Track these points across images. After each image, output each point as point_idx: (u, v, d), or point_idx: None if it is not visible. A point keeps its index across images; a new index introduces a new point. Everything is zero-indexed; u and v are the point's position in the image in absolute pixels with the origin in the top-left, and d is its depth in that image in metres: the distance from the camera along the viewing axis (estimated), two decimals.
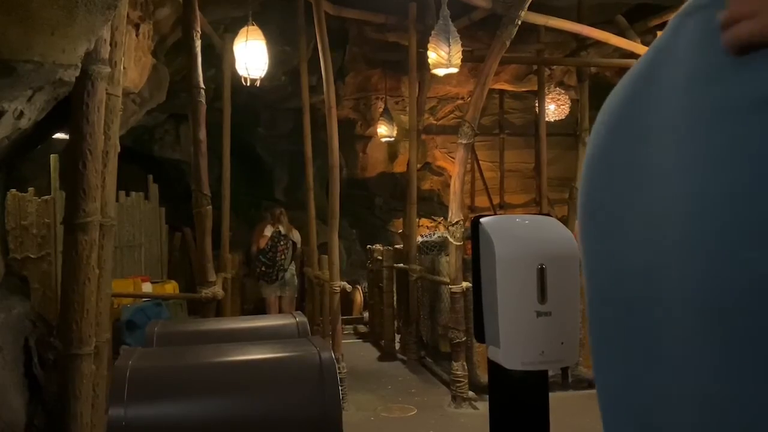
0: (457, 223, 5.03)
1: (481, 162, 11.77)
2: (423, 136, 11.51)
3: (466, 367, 5.09)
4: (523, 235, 1.37)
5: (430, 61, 4.84)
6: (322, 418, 1.71)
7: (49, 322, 3.52)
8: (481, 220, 1.43)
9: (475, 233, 1.45)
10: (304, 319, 2.47)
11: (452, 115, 11.59)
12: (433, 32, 4.77)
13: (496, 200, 11.63)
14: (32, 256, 5.05)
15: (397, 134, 9.44)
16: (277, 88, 9.57)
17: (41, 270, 4.89)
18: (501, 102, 11.44)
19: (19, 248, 4.75)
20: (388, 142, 10.36)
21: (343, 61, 10.13)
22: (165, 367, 1.79)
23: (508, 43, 4.92)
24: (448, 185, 13.48)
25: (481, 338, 1.43)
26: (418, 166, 11.84)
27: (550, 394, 4.65)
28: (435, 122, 11.51)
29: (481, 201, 11.84)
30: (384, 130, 8.93)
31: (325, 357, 1.83)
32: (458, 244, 5.06)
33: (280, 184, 10.84)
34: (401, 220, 10.52)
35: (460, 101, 11.29)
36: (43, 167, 5.95)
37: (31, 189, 5.60)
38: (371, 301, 7.95)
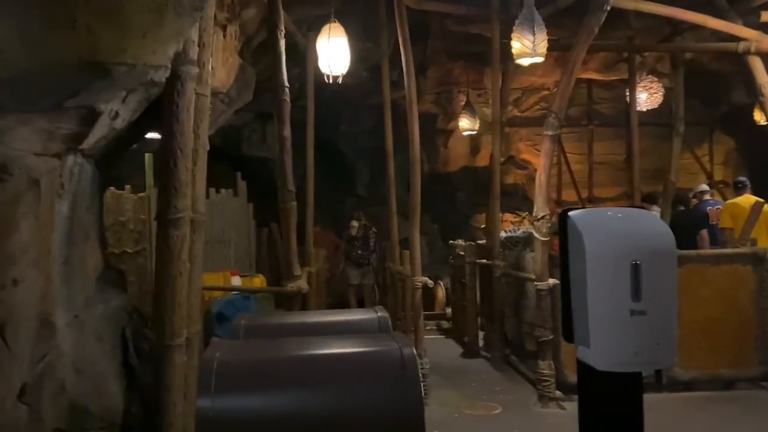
0: (543, 217, 4.89)
1: (568, 154, 11.40)
2: (506, 129, 11.27)
3: (553, 366, 4.95)
4: (615, 229, 1.29)
5: (514, 50, 4.72)
6: (404, 414, 1.69)
7: (144, 314, 3.69)
8: (570, 213, 1.36)
9: (563, 227, 1.38)
10: (386, 314, 2.46)
11: (537, 107, 11.30)
12: (517, 21, 4.64)
13: (584, 194, 11.24)
14: (129, 250, 5.31)
15: (479, 127, 9.30)
16: (359, 84, 9.63)
17: (137, 264, 5.14)
18: (589, 92, 11.03)
19: (117, 243, 5.01)
20: (470, 136, 10.22)
21: (425, 54, 10.06)
22: (251, 359, 1.82)
23: (596, 30, 4.72)
24: (533, 179, 13.18)
25: (570, 338, 1.36)
26: (502, 159, 11.63)
27: (645, 395, 4.44)
28: (519, 114, 11.25)
29: (569, 195, 11.48)
30: (466, 124, 8.81)
31: (407, 353, 1.81)
32: (544, 239, 4.92)
33: (362, 179, 10.93)
34: (484, 215, 10.36)
35: (545, 92, 10.98)
36: (139, 166, 6.26)
37: (127, 187, 5.91)
38: (453, 297, 7.88)
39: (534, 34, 4.46)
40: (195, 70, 3.25)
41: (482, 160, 11.01)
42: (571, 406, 4.96)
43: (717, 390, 5.21)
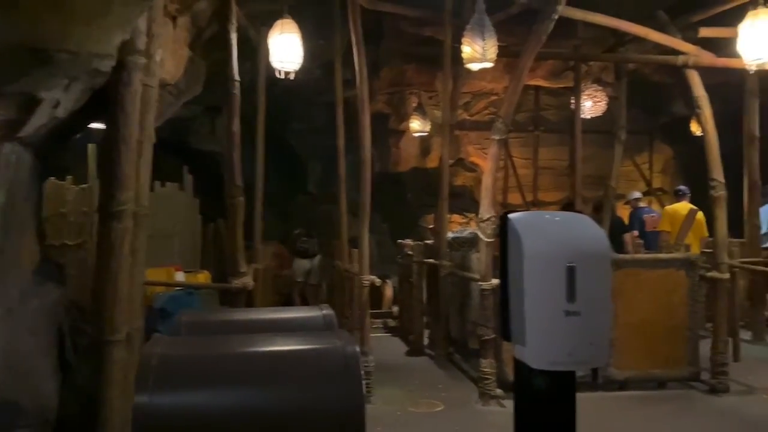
0: (488, 219, 4.98)
1: (514, 158, 11.64)
2: (456, 132, 11.41)
3: (494, 365, 5.05)
4: (553, 232, 1.34)
5: (464, 55, 4.79)
6: (346, 412, 1.70)
7: (83, 308, 3.59)
8: (510, 215, 1.40)
9: (503, 229, 1.42)
10: (331, 311, 2.47)
11: (486, 111, 11.48)
12: (467, 26, 4.72)
13: (529, 197, 11.50)
14: (69, 243, 5.15)
15: (430, 129, 9.39)
16: (311, 81, 9.59)
17: (78, 257, 4.99)
18: (536, 98, 11.29)
19: (57, 235, 4.85)
20: (422, 137, 10.32)
21: (378, 55, 10.10)
22: (191, 355, 1.80)
23: (544, 38, 4.84)
24: (481, 181, 13.38)
25: (507, 336, 1.40)
26: (451, 161, 11.75)
27: (579, 394, 4.57)
28: (469, 118, 11.40)
29: (514, 198, 11.72)
30: (417, 125, 8.90)
31: (350, 350, 1.82)
32: (489, 240, 5.01)
33: (313, 177, 10.88)
34: (433, 215, 10.48)
35: (494, 97, 11.16)
36: (83, 156, 6.07)
37: (69, 177, 5.72)
38: (401, 296, 7.94)
39: (484, 40, 4.55)
40: (142, 60, 3.20)
41: (433, 162, 11.11)
42: (511, 404, 5.07)
43: (650, 389, 5.41)
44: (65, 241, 5.17)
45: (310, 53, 8.26)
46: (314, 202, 10.83)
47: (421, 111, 8.91)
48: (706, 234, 6.65)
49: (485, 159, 12.72)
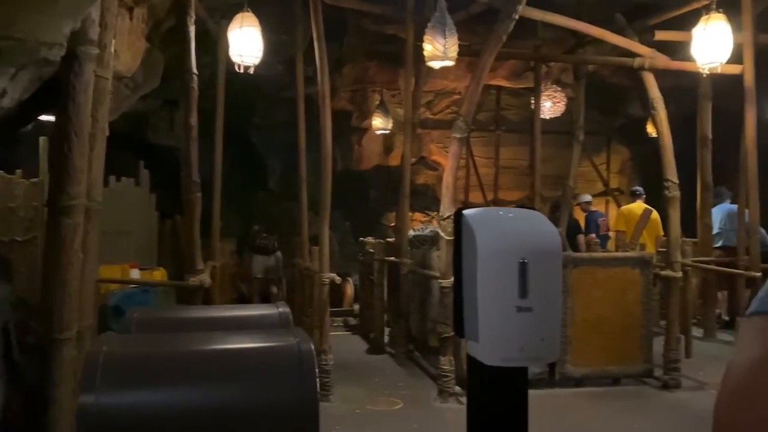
0: (448, 217, 5.00)
1: (476, 158, 11.73)
2: (419, 130, 11.44)
3: (453, 362, 5.07)
4: (506, 228, 1.34)
5: (425, 53, 4.80)
6: (299, 409, 1.68)
7: (31, 306, 3.48)
8: (465, 212, 1.40)
9: (458, 226, 1.42)
10: (287, 309, 2.44)
11: (449, 110, 11.54)
12: (429, 24, 4.73)
13: (490, 196, 11.60)
14: (18, 238, 4.98)
15: (392, 127, 9.39)
16: (273, 77, 9.50)
17: (27, 253, 4.83)
18: (498, 98, 11.40)
19: (6, 231, 4.68)
20: (384, 135, 10.31)
21: (341, 52, 10.06)
22: (140, 354, 1.75)
23: (504, 38, 4.88)
24: (443, 180, 13.40)
25: (460, 333, 1.40)
26: (413, 160, 11.79)
27: (537, 391, 4.65)
28: (431, 116, 11.45)
29: (476, 197, 11.81)
30: (379, 123, 8.89)
31: (304, 348, 1.80)
32: (449, 238, 5.03)
33: (274, 174, 10.78)
34: (395, 213, 10.50)
35: (457, 96, 11.23)
36: (34, 150, 5.88)
37: (18, 171, 5.54)
38: (362, 294, 7.92)
39: (445, 38, 4.56)
40: (95, 50, 3.11)
41: (395, 160, 11.12)
42: None
43: (605, 386, 5.51)
44: (14, 237, 5.00)
45: (272, 48, 8.17)
46: (275, 199, 10.74)
47: (384, 109, 8.91)
48: (661, 233, 6.86)
49: (447, 157, 12.81)
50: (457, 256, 1.40)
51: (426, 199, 12.05)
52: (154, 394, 1.66)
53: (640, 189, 7.95)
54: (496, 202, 11.59)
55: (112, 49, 3.76)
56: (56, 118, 3.14)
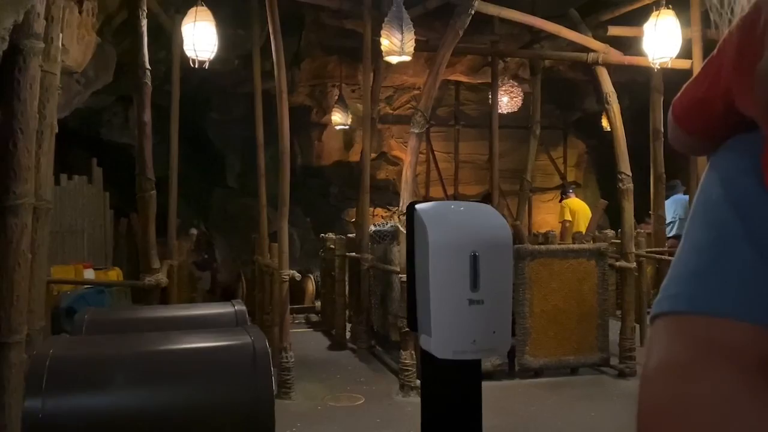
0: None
1: (436, 152, 11.80)
2: (379, 126, 11.43)
3: (414, 356, 5.09)
4: (457, 221, 1.35)
5: (383, 48, 4.79)
6: (254, 407, 1.66)
7: None
8: (417, 206, 1.40)
9: (410, 219, 1.41)
10: (243, 307, 2.41)
11: (409, 105, 11.55)
12: (386, 19, 4.72)
13: (450, 191, 11.69)
14: None
15: (352, 122, 9.37)
16: (230, 72, 9.37)
17: None
18: (457, 93, 11.48)
19: None
20: (344, 131, 10.28)
21: (299, 47, 9.98)
22: (89, 356, 1.71)
23: (461, 33, 4.90)
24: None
25: (414, 327, 1.40)
26: (374, 155, 11.79)
27: (497, 382, 4.69)
28: (391, 112, 11.46)
29: (436, 191, 11.88)
30: (338, 118, 8.85)
31: (259, 346, 1.78)
32: None
33: (233, 170, 10.64)
34: (356, 209, 10.48)
35: (416, 91, 11.25)
36: None
37: None
38: (323, 290, 7.89)
39: (402, 33, 4.56)
40: (40, 44, 3.01)
41: (356, 155, 11.09)
42: None
43: (563, 375, 5.61)
44: None
45: (229, 43, 8.04)
46: (233, 195, 10.61)
47: (343, 104, 8.88)
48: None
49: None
50: (409, 250, 1.40)
51: (387, 195, 12.06)
52: (103, 397, 1.62)
53: (571, 187, 9.49)
54: (456, 197, 11.68)
55: (60, 44, 3.65)
56: (0, 115, 3.03)
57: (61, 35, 3.66)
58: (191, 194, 10.16)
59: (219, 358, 1.74)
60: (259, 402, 1.65)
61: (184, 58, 5.93)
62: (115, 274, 5.73)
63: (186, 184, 9.67)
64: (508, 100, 8.20)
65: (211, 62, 5.60)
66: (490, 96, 8.57)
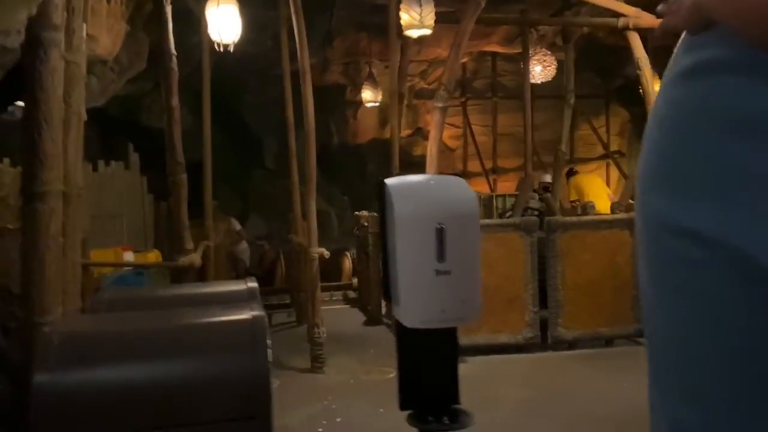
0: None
1: (473, 126, 11.69)
2: (414, 101, 11.40)
3: None
4: (423, 194, 1.36)
5: (402, 22, 4.77)
6: (250, 381, 1.73)
7: (13, 292, 3.55)
8: (386, 180, 1.42)
9: (381, 194, 1.44)
10: (255, 284, 2.48)
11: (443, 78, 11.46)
12: None
13: (489, 164, 11.58)
14: (10, 226, 5.06)
15: (383, 99, 9.35)
16: (263, 53, 9.47)
17: (18, 241, 4.90)
18: (493, 64, 11.30)
19: None
20: (380, 108, 10.27)
21: (331, 24, 9.98)
22: (95, 332, 1.80)
23: (483, 3, 4.82)
24: (441, 150, 13.34)
25: (388, 297, 1.43)
26: (409, 131, 11.75)
27: (529, 354, 4.67)
28: (426, 86, 11.38)
29: (474, 165, 11.80)
30: (369, 95, 8.85)
31: (257, 321, 1.84)
32: None
33: (270, 151, 10.79)
34: None
35: None
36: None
37: (6, 159, 5.60)
38: (359, 268, 7.98)
39: (421, 6, 4.52)
40: (59, 36, 3.11)
41: (391, 131, 11.09)
42: (460, 368, 5.17)
43: (598, 347, 5.56)
44: (6, 225, 5.08)
45: (261, 24, 8.10)
46: (272, 177, 10.76)
47: (372, 80, 8.86)
48: (609, 191, 8.24)
49: (444, 127, 12.74)
50: (382, 223, 1.42)
51: (423, 170, 12.02)
52: (107, 370, 1.71)
53: (573, 168, 9.60)
54: (495, 170, 11.57)
55: (84, 33, 3.76)
56: (25, 105, 3.16)
57: (85, 25, 3.78)
58: (230, 177, 10.36)
59: (216, 333, 1.81)
60: (255, 377, 1.71)
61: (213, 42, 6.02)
62: (154, 256, 5.93)
63: (224, 167, 9.86)
64: (541, 69, 8.04)
65: (244, 44, 5.66)
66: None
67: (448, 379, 1.42)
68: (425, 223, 1.30)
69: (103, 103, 7.19)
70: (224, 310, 2.01)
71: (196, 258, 4.81)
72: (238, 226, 8.78)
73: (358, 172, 12.14)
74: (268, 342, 1.78)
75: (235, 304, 2.24)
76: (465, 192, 1.37)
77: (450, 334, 1.42)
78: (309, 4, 9.82)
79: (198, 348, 1.78)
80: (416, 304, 1.31)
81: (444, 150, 12.99)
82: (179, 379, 1.71)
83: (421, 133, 11.94)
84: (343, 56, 10.62)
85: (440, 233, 1.29)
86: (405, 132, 11.13)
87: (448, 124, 12.90)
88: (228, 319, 1.88)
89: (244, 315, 1.87)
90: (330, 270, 8.11)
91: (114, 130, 9.37)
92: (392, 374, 5.05)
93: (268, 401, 1.72)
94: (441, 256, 1.29)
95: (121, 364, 1.72)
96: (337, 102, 11.23)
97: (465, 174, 12.14)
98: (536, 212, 6.50)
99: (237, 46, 9.49)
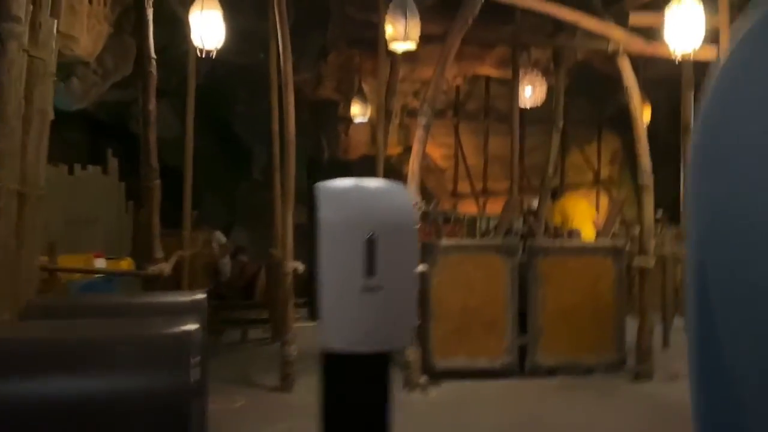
0: (414, 205, 4.89)
1: (465, 147, 11.61)
2: (407, 120, 11.32)
3: (419, 352, 4.98)
4: (355, 200, 1.23)
5: (386, 35, 4.68)
6: (169, 399, 1.59)
7: None
8: (319, 184, 1.29)
9: (312, 200, 1.31)
10: (202, 296, 2.34)
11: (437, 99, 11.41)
12: (390, 5, 4.60)
13: (479, 186, 11.49)
14: None
15: (374, 115, 9.25)
16: (255, 65, 9.37)
17: None
18: (487, 87, 11.27)
19: None
20: (372, 124, 10.19)
21: (325, 40, 9.94)
22: (9, 341, 1.66)
23: (470, 21, 4.75)
24: (432, 170, 13.26)
25: (313, 314, 1.29)
26: (400, 149, 11.66)
27: (507, 380, 4.51)
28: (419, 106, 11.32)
29: (464, 186, 11.70)
30: (357, 110, 8.76)
31: (184, 336, 1.70)
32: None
33: (258, 163, 10.66)
34: None
35: (445, 85, 11.09)
36: None
37: None
38: None
39: (406, 19, 4.43)
40: (19, 28, 3.00)
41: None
42: (435, 393, 5.02)
43: (578, 375, 5.40)
44: None
45: (252, 36, 8.02)
46: (259, 188, 10.62)
47: (362, 96, 8.78)
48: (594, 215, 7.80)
49: (436, 147, 12.67)
50: (311, 231, 1.30)
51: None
52: (18, 382, 1.56)
53: (559, 190, 9.14)
54: (485, 192, 11.48)
55: (55, 30, 3.65)
56: None
57: (56, 21, 3.67)
58: (217, 187, 10.23)
59: (137, 346, 1.67)
60: (175, 396, 1.57)
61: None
62: (126, 264, 5.77)
63: (212, 176, 9.73)
64: (531, 92, 7.98)
65: (237, 55, 5.60)
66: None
67: (376, 416, 1.28)
68: (353, 231, 1.17)
69: (87, 106, 7.07)
70: (156, 323, 1.87)
71: (165, 267, 4.66)
72: (223, 239, 8.58)
73: None
74: (194, 360, 1.63)
75: (172, 316, 2.10)
76: (403, 200, 1.25)
77: (381, 361, 1.29)
78: (304, 20, 9.79)
79: (118, 362, 1.64)
80: (338, 323, 1.18)
81: (435, 170, 12.91)
82: (94, 394, 1.57)
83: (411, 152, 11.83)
84: (337, 72, 10.56)
85: (370, 244, 1.16)
86: (396, 150, 11.05)
87: (440, 143, 12.83)
88: (155, 332, 1.74)
89: (173, 329, 1.74)
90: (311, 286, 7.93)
91: (103, 135, 9.26)
92: None
93: (186, 423, 1.57)
94: (370, 270, 1.16)
95: (33, 376, 1.58)
96: (329, 117, 11.15)
97: (455, 194, 12.05)
98: (519, 235, 6.39)
99: (229, 56, 9.40)
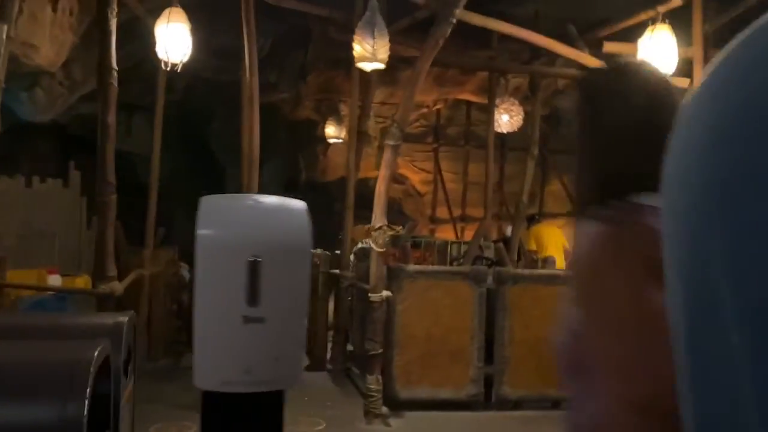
0: (380, 228, 4.76)
1: (444, 173, 11.53)
2: (385, 143, 11.23)
3: (380, 381, 4.81)
4: (238, 217, 1.09)
5: (354, 54, 4.58)
6: (59, 428, 1.42)
7: None
8: (206, 197, 1.15)
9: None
10: (124, 319, 2.17)
11: (417, 124, 11.33)
12: (359, 24, 4.52)
13: (457, 212, 11.39)
14: None
15: (345, 136, 9.17)
16: (233, 83, 9.27)
17: None
18: (468, 113, 11.23)
19: None
20: (347, 145, 10.09)
21: (306, 60, 9.88)
22: None
23: (441, 42, 4.67)
24: (410, 194, 13.16)
25: (190, 347, 1.14)
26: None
27: (471, 413, 4.35)
28: None
29: (443, 212, 11.59)
30: (332, 131, 8.67)
31: (83, 364, 1.54)
32: (380, 250, 4.79)
33: (233, 181, 10.48)
34: (359, 226, 10.24)
35: (424, 109, 11.03)
36: None
37: None
38: (308, 309, 7.63)
39: (374, 38, 4.34)
40: None
41: (363, 171, 10.88)
42: (397, 424, 4.84)
43: (544, 409, 5.24)
44: None
45: (231, 53, 7.92)
46: None
47: (337, 116, 8.69)
48: (566, 244, 7.50)
49: (415, 172, 12.58)
50: (193, 252, 1.15)
51: (392, 213, 11.77)
52: None
53: (537, 215, 9.25)
54: (464, 218, 11.38)
55: (4, 35, 3.51)
56: None
57: (6, 27, 3.53)
58: (190, 205, 10.05)
59: (27, 374, 1.50)
60: (64, 428, 1.40)
61: (184, 68, 5.78)
62: (82, 281, 5.55)
63: (187, 194, 9.55)
64: (508, 119, 7.92)
65: (215, 72, 5.47)
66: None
67: None
68: (234, 252, 1.02)
69: (54, 117, 6.91)
70: (55, 347, 1.70)
71: (117, 286, 4.48)
72: (187, 276, 8.19)
73: (325, 209, 11.87)
74: (89, 390, 1.47)
75: (82, 340, 1.92)
76: (297, 219, 1.11)
77: (267, 401, 1.13)
78: (285, 39, 9.71)
79: (3, 390, 1.47)
80: (213, 360, 1.03)
81: (414, 194, 12.82)
82: None
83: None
84: (317, 92, 10.48)
85: (253, 267, 1.01)
86: (375, 173, 10.94)
87: (420, 168, 12.76)
88: (49, 358, 1.57)
89: (70, 355, 1.57)
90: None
91: (75, 149, 9.07)
92: (322, 426, 4.71)
93: None
94: (253, 298, 1.01)
95: None
96: (308, 138, 11.05)
97: (433, 220, 11.94)
98: (489, 262, 6.26)
99: (208, 73, 9.28)
